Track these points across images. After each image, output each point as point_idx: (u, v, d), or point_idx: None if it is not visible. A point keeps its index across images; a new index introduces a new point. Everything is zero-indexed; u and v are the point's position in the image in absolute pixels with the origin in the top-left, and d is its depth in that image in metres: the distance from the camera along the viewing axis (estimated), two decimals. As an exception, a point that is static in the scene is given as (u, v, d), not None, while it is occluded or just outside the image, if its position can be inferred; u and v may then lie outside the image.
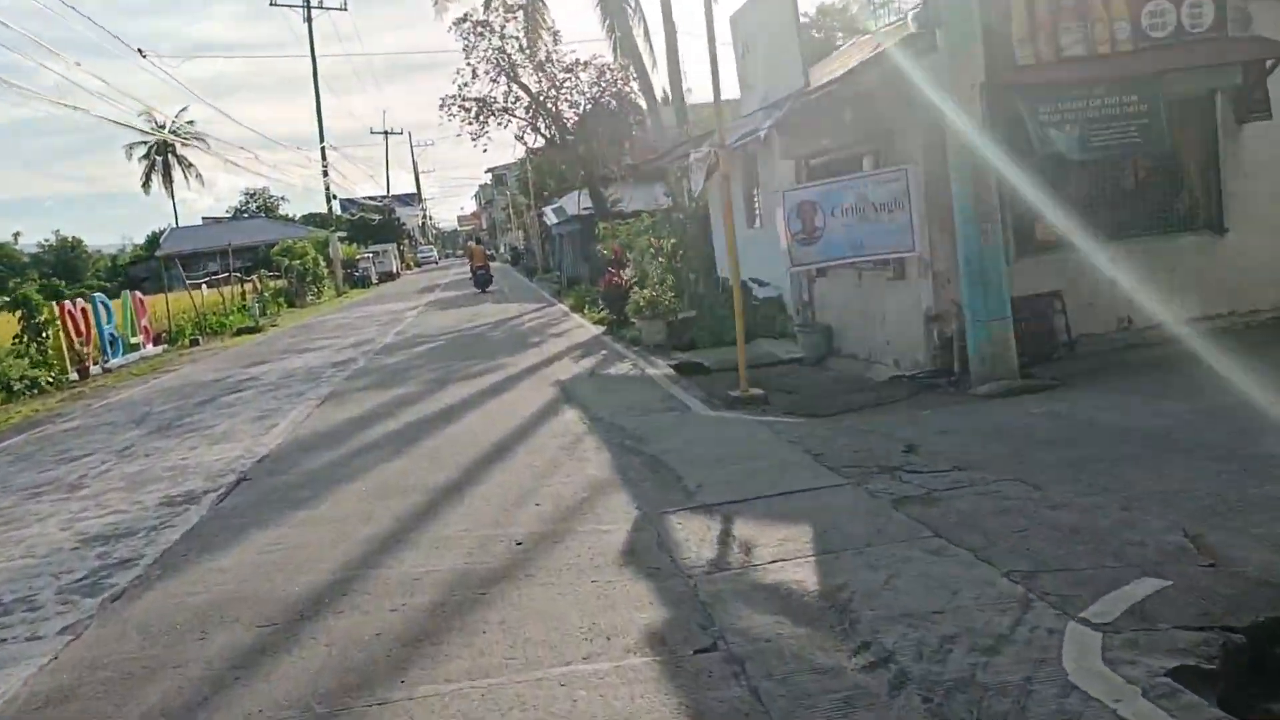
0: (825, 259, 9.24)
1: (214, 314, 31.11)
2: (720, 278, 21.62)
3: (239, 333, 29.58)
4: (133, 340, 23.91)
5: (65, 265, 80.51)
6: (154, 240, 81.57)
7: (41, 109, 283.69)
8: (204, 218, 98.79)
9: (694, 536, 5.62)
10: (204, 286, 30.31)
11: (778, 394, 10.14)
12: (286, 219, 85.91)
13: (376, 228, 72.99)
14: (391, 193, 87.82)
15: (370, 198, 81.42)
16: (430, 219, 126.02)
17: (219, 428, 11.72)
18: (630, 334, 16.43)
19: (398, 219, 78.88)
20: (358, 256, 59.18)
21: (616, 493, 6.76)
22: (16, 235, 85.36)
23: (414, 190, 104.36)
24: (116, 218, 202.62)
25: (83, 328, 21.22)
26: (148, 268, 72.59)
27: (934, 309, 9.87)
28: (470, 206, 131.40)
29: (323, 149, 47.51)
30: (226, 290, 33.68)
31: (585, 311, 22.51)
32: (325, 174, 48.04)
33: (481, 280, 35.53)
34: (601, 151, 36.96)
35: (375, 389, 13.59)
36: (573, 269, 37.98)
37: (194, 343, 26.96)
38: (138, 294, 25.24)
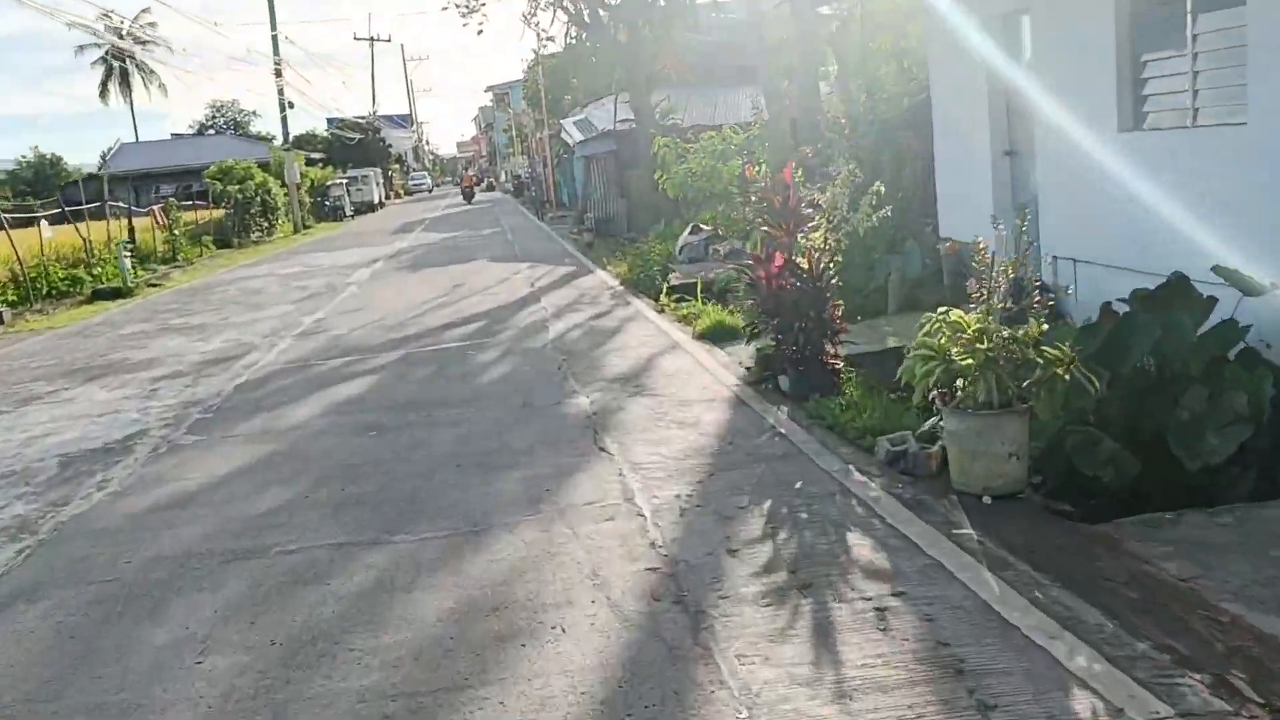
0: None
1: (68, 264, 20.40)
2: (942, 250, 10.70)
3: (95, 297, 19.03)
4: None
5: (44, 182, 70.30)
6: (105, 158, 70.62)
7: (27, 23, 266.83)
8: (173, 134, 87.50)
9: None
10: (44, 222, 19.33)
11: None
12: (261, 137, 74.63)
13: (357, 149, 61.47)
14: (384, 113, 76.19)
15: (361, 117, 69.78)
16: (428, 144, 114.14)
17: None
18: (858, 425, 5.99)
19: (383, 140, 67.23)
20: (329, 183, 47.84)
21: None
22: (-14, 150, 74.78)
23: (407, 110, 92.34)
24: (105, 138, 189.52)
25: None
26: (92, 189, 61.72)
27: None
28: (471, 131, 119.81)
29: (274, 36, 36.22)
30: (105, 227, 22.92)
31: (665, 301, 11.73)
32: (278, 72, 36.81)
33: (467, 195, 51.36)
34: (650, 39, 25.98)
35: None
36: (604, 207, 27.14)
37: (-2, 319, 16.41)
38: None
